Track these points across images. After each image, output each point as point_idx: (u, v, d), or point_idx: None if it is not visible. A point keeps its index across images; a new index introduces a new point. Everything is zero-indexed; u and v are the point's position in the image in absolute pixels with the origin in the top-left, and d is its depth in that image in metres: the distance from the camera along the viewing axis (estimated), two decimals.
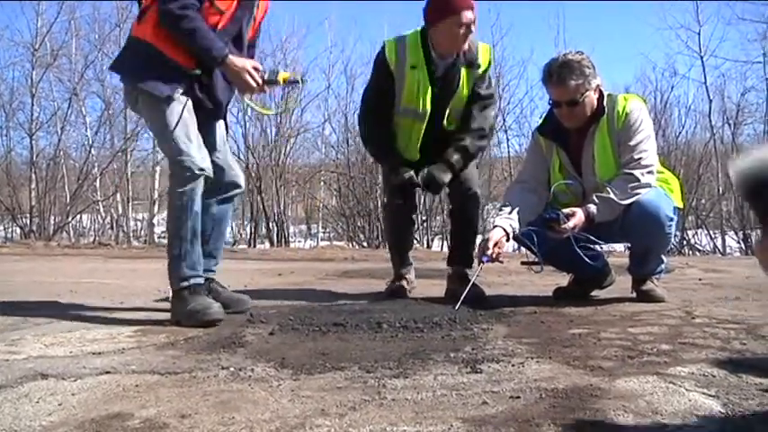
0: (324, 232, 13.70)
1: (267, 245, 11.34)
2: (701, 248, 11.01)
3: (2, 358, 1.79)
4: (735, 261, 6.78)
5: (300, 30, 13.89)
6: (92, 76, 12.23)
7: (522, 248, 3.11)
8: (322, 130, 12.95)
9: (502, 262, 2.78)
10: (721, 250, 11.02)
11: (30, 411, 1.33)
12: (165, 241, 2.58)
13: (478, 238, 3.02)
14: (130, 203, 12.52)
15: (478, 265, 2.63)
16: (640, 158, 2.61)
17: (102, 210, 12.56)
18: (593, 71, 2.61)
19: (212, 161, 2.50)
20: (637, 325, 2.21)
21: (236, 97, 2.80)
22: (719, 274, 4.25)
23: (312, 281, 4.04)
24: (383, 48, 2.97)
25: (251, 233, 12.41)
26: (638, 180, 2.59)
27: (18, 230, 11.52)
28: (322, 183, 13.42)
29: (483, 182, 10.48)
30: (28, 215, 11.38)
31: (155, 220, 12.21)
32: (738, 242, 11.02)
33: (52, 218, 11.77)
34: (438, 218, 10.87)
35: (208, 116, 2.58)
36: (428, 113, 2.93)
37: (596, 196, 2.59)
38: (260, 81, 2.46)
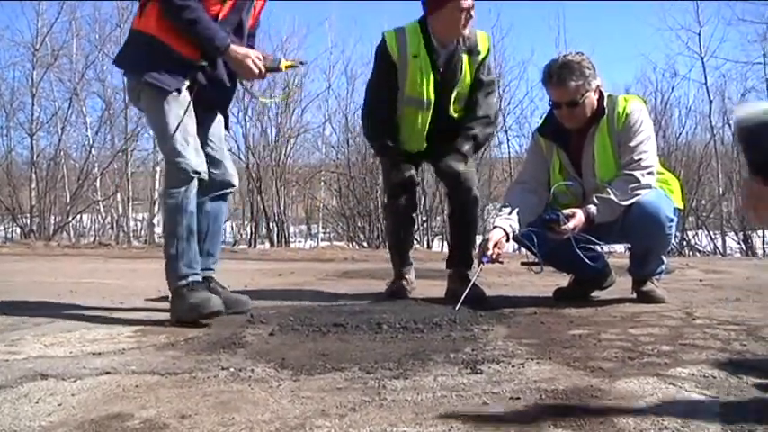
0: (324, 232, 13.70)
1: (267, 245, 11.34)
2: (701, 249, 11.00)
3: (2, 358, 1.79)
4: (735, 262, 6.78)
5: (301, 30, 13.95)
6: (92, 76, 12.26)
7: (522, 249, 3.10)
8: (322, 130, 12.97)
9: (502, 262, 2.78)
10: (722, 251, 11.01)
11: (29, 412, 1.33)
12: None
13: (478, 239, 3.02)
14: (131, 203, 12.53)
15: (478, 265, 2.63)
16: (640, 159, 2.61)
17: (102, 210, 12.57)
18: (594, 72, 2.61)
19: (207, 160, 2.52)
20: (637, 326, 2.21)
21: (238, 92, 2.82)
22: (720, 275, 4.24)
23: (312, 281, 4.04)
24: (383, 39, 2.97)
25: (251, 233, 12.41)
26: (639, 181, 2.59)
27: (18, 230, 11.53)
28: (322, 183, 13.43)
29: (483, 182, 10.49)
30: (28, 215, 11.38)
31: (155, 221, 12.20)
32: (739, 243, 11.02)
33: (52, 218, 11.78)
34: (438, 218, 10.87)
35: (210, 110, 2.60)
36: (432, 102, 2.95)
37: (596, 197, 2.59)
38: (262, 68, 2.48)
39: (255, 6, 2.63)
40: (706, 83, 11.85)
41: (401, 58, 2.93)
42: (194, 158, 2.41)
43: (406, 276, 3.15)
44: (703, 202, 12.09)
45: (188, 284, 2.36)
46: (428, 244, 10.82)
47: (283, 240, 11.61)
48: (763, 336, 2.00)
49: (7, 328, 2.27)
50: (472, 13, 2.86)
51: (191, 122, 2.44)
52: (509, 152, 12.04)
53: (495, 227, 2.60)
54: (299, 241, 13.25)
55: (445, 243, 10.19)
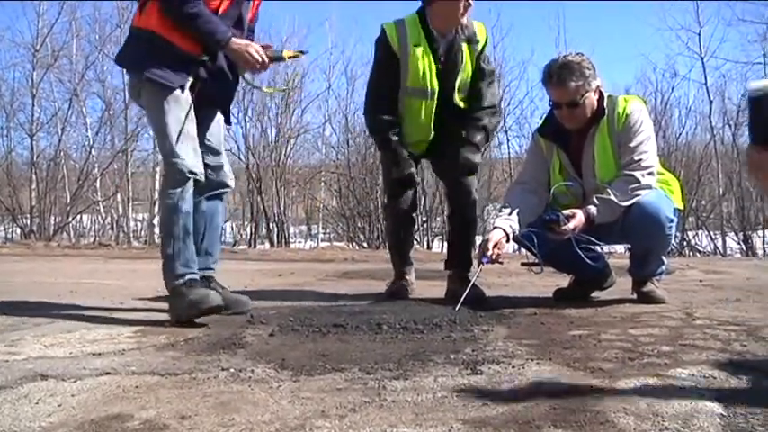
0: (324, 233, 13.71)
1: (267, 245, 11.35)
2: (701, 250, 11.01)
3: (2, 359, 1.79)
4: (735, 262, 6.77)
5: (301, 30, 13.96)
6: (92, 76, 12.27)
7: (522, 250, 3.10)
8: (322, 130, 12.98)
9: (502, 263, 2.78)
10: (722, 251, 11.02)
11: (29, 412, 1.33)
12: None
13: (478, 240, 3.02)
14: (131, 204, 12.53)
15: (478, 266, 2.63)
16: (641, 160, 2.61)
17: (102, 210, 12.57)
18: (594, 72, 2.61)
19: (205, 161, 2.52)
20: (637, 326, 2.21)
21: (238, 92, 2.83)
22: (720, 276, 4.24)
23: (312, 282, 4.04)
24: (383, 31, 2.99)
25: (251, 234, 12.42)
26: (639, 181, 2.59)
27: (18, 231, 11.54)
28: (322, 183, 13.43)
29: (483, 183, 10.48)
30: (28, 215, 11.40)
31: (155, 221, 12.19)
32: (739, 243, 11.02)
33: (52, 218, 11.79)
34: (438, 218, 10.87)
35: (211, 108, 2.60)
36: (436, 91, 2.96)
37: (596, 198, 2.59)
38: (265, 58, 2.48)
39: (254, 0, 2.64)
40: (706, 83, 11.86)
41: (402, 48, 2.95)
42: (191, 159, 2.41)
43: (407, 277, 3.15)
44: (703, 202, 12.10)
45: (186, 282, 2.36)
46: (428, 244, 10.82)
47: (283, 241, 11.61)
48: (764, 336, 2.00)
49: (7, 328, 2.27)
50: (470, 1, 2.88)
51: (190, 124, 2.44)
52: (509, 152, 12.07)
53: (495, 227, 2.60)
54: (299, 242, 13.26)
55: (445, 244, 10.18)
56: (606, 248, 3.35)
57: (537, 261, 2.65)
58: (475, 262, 2.89)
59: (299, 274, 4.59)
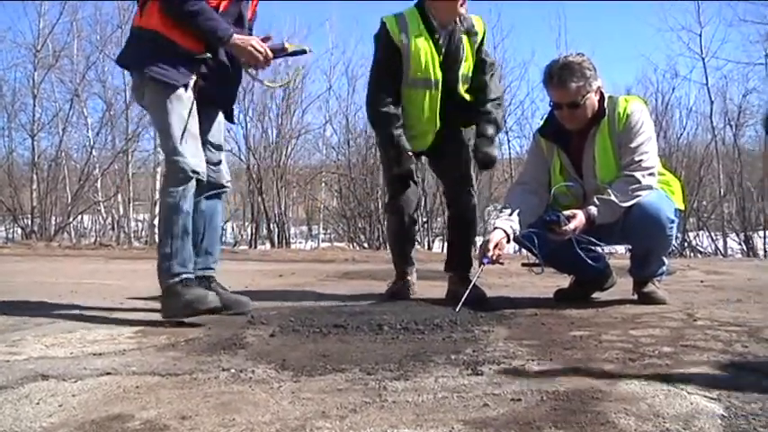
0: (324, 233, 13.72)
1: (268, 246, 11.36)
2: (702, 250, 11.01)
3: (2, 359, 1.79)
4: (736, 263, 6.77)
5: (301, 30, 13.97)
6: (93, 77, 12.31)
7: (523, 250, 3.10)
8: (323, 131, 13.00)
9: (502, 264, 2.78)
10: (723, 252, 11.02)
11: (30, 412, 1.33)
12: None
13: (478, 241, 3.02)
14: (131, 204, 12.55)
15: (479, 266, 2.62)
16: (641, 160, 2.61)
17: (103, 210, 12.59)
18: (594, 73, 2.61)
19: (206, 161, 2.52)
20: (638, 327, 2.20)
21: (239, 93, 2.82)
22: (721, 276, 4.24)
23: (313, 282, 4.04)
24: (383, 24, 2.99)
25: (252, 234, 12.44)
26: (639, 182, 2.59)
27: (19, 231, 11.56)
28: (323, 184, 13.45)
29: (483, 183, 10.49)
30: (29, 216, 11.41)
31: (155, 221, 12.21)
32: (740, 244, 11.02)
33: (53, 218, 11.81)
34: (439, 219, 10.87)
35: (212, 107, 2.60)
36: (440, 81, 2.97)
37: (597, 198, 2.59)
38: (268, 52, 2.48)
39: None
40: (707, 83, 11.88)
41: (403, 40, 2.95)
42: (193, 158, 2.41)
43: (408, 277, 3.14)
44: (704, 203, 12.11)
45: (181, 281, 2.35)
46: (429, 245, 10.82)
47: (284, 241, 11.62)
48: (765, 337, 2.00)
49: (8, 328, 2.27)
50: None
51: (193, 122, 2.44)
52: (510, 153, 12.08)
53: (495, 228, 2.60)
54: (300, 242, 13.28)
55: (445, 244, 10.18)
56: (607, 249, 3.34)
57: (537, 262, 2.64)
58: (475, 263, 2.89)
59: (299, 274, 4.59)
